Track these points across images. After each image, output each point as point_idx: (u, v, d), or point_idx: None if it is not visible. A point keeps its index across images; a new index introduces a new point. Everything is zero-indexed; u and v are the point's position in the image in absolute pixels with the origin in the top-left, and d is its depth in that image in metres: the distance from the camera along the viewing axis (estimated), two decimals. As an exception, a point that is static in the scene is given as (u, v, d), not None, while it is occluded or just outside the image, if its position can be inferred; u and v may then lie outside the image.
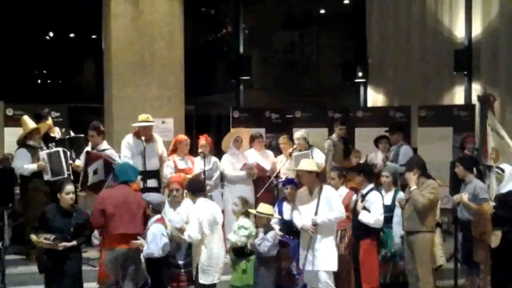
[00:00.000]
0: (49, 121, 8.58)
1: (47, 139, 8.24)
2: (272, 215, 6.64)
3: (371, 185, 6.94)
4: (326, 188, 6.50)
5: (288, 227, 6.79)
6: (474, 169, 7.23)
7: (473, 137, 9.04)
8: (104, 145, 8.06)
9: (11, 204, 7.55)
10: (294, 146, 8.32)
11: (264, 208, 6.61)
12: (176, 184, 6.79)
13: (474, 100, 10.91)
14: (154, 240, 6.06)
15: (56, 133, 8.55)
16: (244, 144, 8.48)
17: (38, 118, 8.50)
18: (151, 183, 7.85)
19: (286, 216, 6.83)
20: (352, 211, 6.88)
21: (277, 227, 6.74)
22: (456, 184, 7.23)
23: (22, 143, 7.88)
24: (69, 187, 6.24)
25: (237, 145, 8.30)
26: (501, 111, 10.30)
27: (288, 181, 7.10)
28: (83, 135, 8.44)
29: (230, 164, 8.20)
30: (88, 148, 7.98)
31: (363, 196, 6.80)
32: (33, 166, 7.67)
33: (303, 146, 8.28)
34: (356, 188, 7.15)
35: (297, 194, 6.67)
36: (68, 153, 7.90)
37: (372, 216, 6.65)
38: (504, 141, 8.24)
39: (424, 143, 9.93)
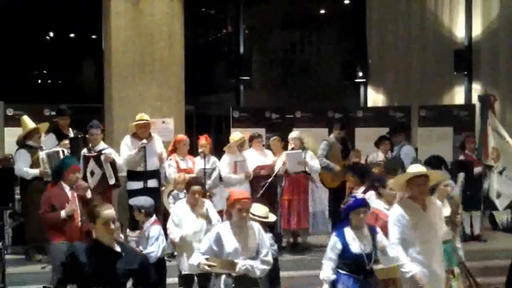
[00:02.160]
0: (68, 119, 8.55)
1: (61, 135, 8.24)
2: (266, 217, 5.82)
3: (364, 187, 6.83)
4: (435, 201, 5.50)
5: (357, 262, 5.10)
6: (443, 168, 7.24)
7: (473, 137, 9.05)
8: (102, 145, 8.03)
9: (11, 205, 7.55)
10: (292, 146, 8.32)
11: (258, 209, 5.85)
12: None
13: (474, 100, 10.93)
14: (156, 243, 6.07)
15: (70, 131, 8.53)
16: (242, 145, 8.48)
17: (59, 113, 8.56)
18: (151, 183, 7.86)
19: (354, 249, 5.12)
20: None
21: (331, 266, 5.14)
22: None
23: (21, 143, 7.87)
24: (108, 212, 3.81)
25: (240, 148, 8.29)
26: (501, 111, 10.31)
27: (362, 203, 5.29)
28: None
29: (228, 166, 8.16)
30: (85, 150, 7.95)
31: None
32: (35, 172, 7.64)
33: (297, 147, 8.29)
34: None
35: (399, 210, 5.22)
36: (67, 152, 7.88)
37: None
38: (505, 141, 8.24)
39: (424, 143, 9.94)
